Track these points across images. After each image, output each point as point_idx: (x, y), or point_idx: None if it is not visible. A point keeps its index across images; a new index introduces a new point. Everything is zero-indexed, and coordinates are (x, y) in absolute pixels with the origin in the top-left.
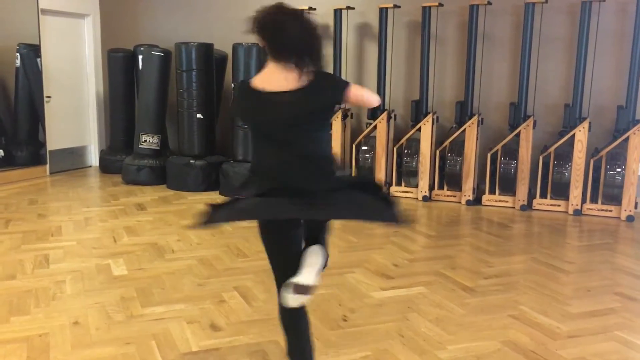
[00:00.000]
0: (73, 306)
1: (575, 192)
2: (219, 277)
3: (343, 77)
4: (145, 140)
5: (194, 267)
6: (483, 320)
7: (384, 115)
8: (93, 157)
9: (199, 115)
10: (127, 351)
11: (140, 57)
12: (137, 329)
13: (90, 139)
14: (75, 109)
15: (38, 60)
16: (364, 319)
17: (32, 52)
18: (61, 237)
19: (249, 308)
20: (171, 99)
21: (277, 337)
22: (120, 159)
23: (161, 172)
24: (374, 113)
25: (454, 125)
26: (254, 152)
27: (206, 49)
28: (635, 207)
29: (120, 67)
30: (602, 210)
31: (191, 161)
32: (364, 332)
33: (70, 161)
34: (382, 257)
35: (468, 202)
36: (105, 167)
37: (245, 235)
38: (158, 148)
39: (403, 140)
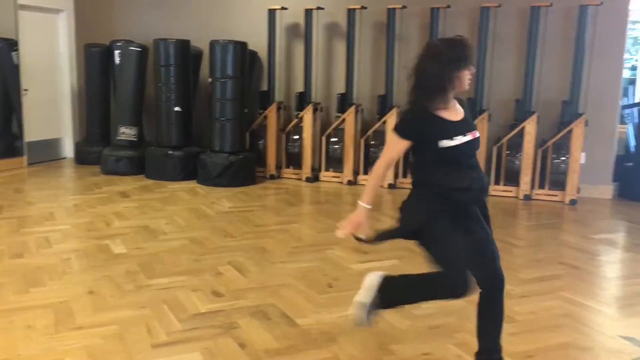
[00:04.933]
0: (84, 279)
1: (525, 179)
2: (212, 254)
3: (313, 73)
4: (124, 132)
5: (187, 246)
6: None
7: (352, 109)
8: (68, 149)
9: (176, 108)
10: (143, 313)
11: (117, 52)
12: (147, 296)
13: (65, 131)
14: (50, 102)
15: (13, 54)
16: (347, 285)
17: (6, 46)
18: (56, 222)
19: (244, 278)
20: (147, 92)
21: (274, 301)
22: (97, 151)
23: (139, 162)
24: (342, 107)
25: None
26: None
27: (183, 45)
28: (578, 192)
29: (96, 61)
30: (549, 195)
31: (170, 152)
32: (349, 295)
33: (45, 153)
34: None
35: None
36: (81, 158)
37: (228, 219)
38: (136, 139)
39: (370, 132)
